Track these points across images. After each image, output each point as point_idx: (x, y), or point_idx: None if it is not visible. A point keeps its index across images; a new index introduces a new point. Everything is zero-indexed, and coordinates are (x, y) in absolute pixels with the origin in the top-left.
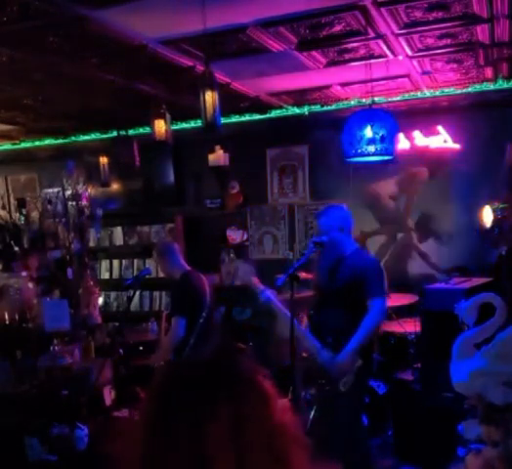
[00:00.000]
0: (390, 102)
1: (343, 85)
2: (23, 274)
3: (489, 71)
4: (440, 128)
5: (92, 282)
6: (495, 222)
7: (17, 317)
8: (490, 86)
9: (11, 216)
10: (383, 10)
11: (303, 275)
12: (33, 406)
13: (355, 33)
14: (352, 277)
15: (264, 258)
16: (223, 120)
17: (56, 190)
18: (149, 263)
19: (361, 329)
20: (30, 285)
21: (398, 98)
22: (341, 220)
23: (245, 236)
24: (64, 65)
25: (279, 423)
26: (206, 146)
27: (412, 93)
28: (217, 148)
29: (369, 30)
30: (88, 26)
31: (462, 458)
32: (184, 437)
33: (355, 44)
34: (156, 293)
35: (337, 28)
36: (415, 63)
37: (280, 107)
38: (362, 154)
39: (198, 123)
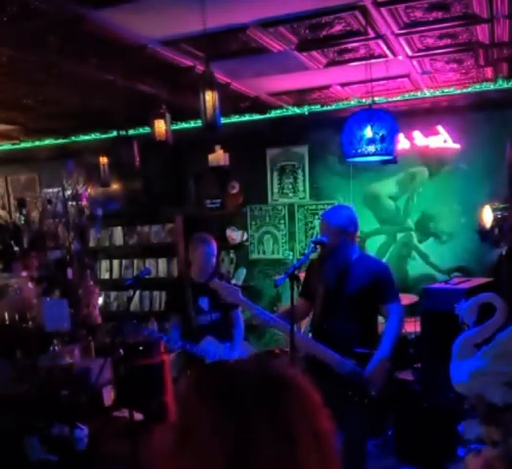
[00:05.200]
0: (390, 102)
1: (343, 85)
2: (23, 274)
3: (489, 71)
4: (440, 128)
5: (92, 282)
6: (495, 222)
7: (17, 317)
8: (490, 86)
9: (11, 216)
10: (383, 10)
11: (303, 275)
12: (33, 406)
13: (355, 33)
14: (367, 283)
15: (264, 258)
16: (223, 120)
17: (56, 190)
18: (150, 263)
19: (389, 334)
20: (30, 285)
21: (398, 98)
22: (349, 221)
23: (245, 236)
24: (63, 65)
25: (326, 430)
26: (206, 146)
27: (412, 93)
28: (217, 148)
29: (369, 30)
30: (88, 26)
31: (462, 458)
32: (274, 443)
33: (355, 44)
34: (156, 293)
35: (337, 28)
36: (415, 63)
37: (280, 107)
38: (362, 154)
39: (198, 123)
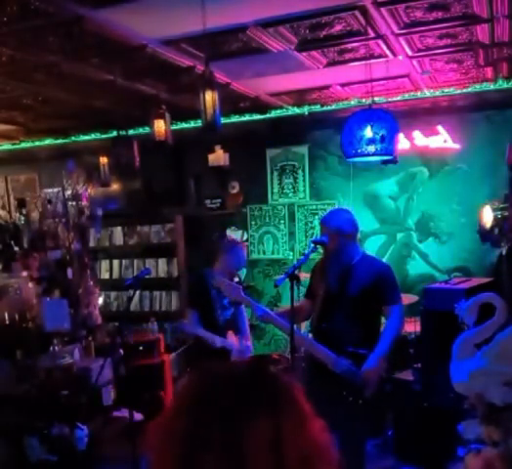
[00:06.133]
0: (390, 102)
1: (343, 85)
2: (23, 274)
3: (489, 71)
4: (440, 128)
5: (92, 282)
6: (495, 222)
7: (17, 317)
8: (490, 86)
9: (11, 216)
10: (383, 10)
11: (303, 275)
12: (33, 406)
13: (355, 33)
14: (368, 284)
15: (264, 258)
16: (223, 120)
17: (56, 190)
18: (149, 263)
19: (387, 335)
20: (30, 285)
21: (398, 98)
22: (348, 225)
23: (245, 236)
24: (63, 65)
25: (316, 442)
26: (206, 146)
27: (412, 93)
28: (217, 148)
29: (369, 30)
30: (88, 26)
31: (462, 458)
32: (223, 450)
33: (355, 44)
34: (156, 293)
35: (337, 28)
36: (415, 63)
37: (280, 107)
38: (362, 154)
39: (198, 123)
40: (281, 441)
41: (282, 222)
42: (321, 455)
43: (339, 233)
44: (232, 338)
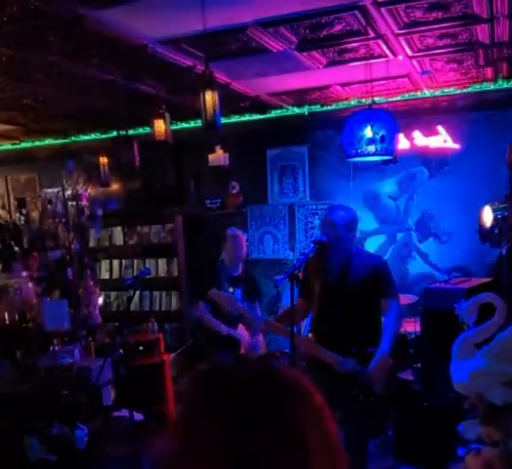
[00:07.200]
0: (390, 102)
1: (343, 85)
2: (23, 274)
3: (489, 71)
4: (440, 128)
5: (92, 282)
6: (495, 222)
7: (17, 317)
8: (490, 86)
9: (11, 216)
10: (383, 10)
11: (302, 275)
12: (33, 406)
13: (355, 33)
14: (367, 275)
15: (264, 258)
16: (223, 120)
17: (56, 190)
18: (150, 263)
19: (387, 331)
20: (30, 285)
21: (398, 98)
22: (352, 219)
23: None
24: (63, 65)
25: (332, 432)
26: (206, 146)
27: (412, 93)
28: (217, 148)
29: (369, 30)
30: (88, 26)
31: (462, 458)
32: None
33: (355, 44)
34: (156, 293)
35: (337, 28)
36: (415, 63)
37: (280, 107)
38: (362, 154)
39: (198, 123)
40: (305, 435)
41: (282, 222)
42: (340, 449)
43: (343, 226)
44: (243, 331)
